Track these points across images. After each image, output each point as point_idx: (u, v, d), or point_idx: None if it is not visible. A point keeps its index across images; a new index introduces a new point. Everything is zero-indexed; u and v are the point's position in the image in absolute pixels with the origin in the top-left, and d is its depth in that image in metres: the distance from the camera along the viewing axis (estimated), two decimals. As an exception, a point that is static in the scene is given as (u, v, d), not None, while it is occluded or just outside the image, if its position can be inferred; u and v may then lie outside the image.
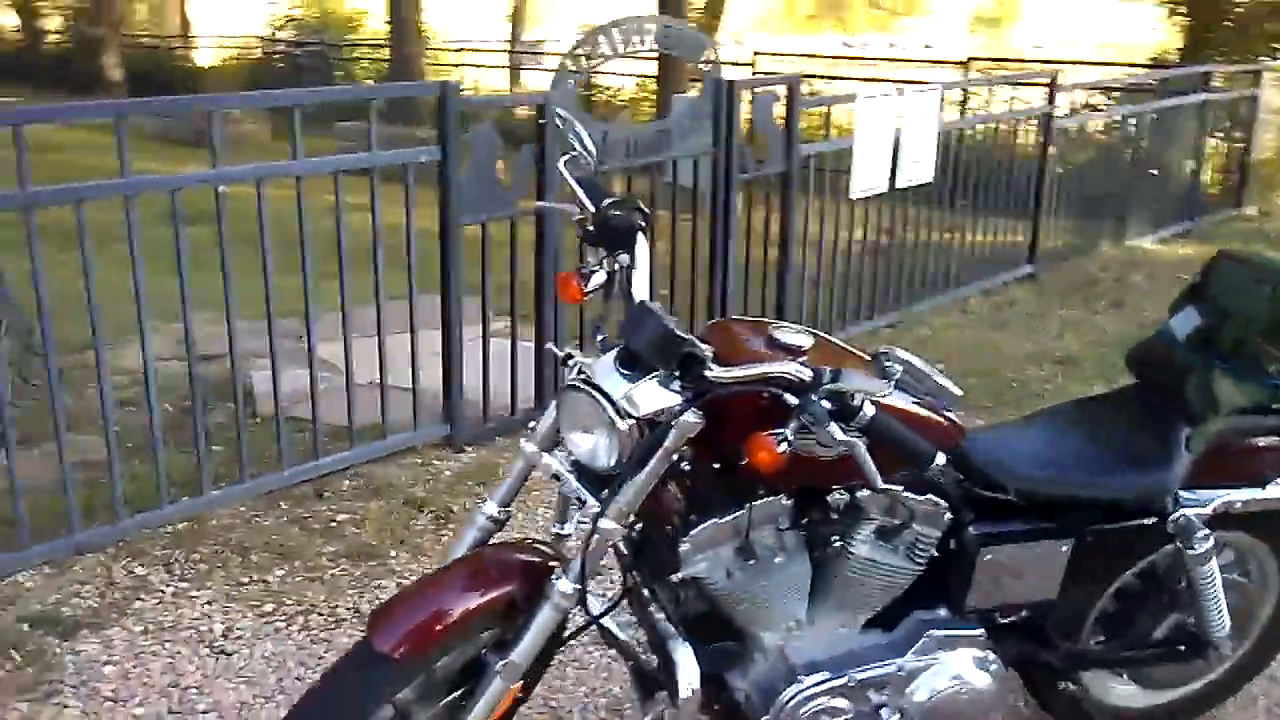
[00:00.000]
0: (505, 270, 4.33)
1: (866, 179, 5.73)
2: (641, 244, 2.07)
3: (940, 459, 1.90)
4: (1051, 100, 7.07)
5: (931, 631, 2.25)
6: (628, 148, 4.60)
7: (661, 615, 2.17)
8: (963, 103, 8.32)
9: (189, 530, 3.67)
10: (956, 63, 11.65)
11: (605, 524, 1.95)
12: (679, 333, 1.88)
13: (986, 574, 2.27)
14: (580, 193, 2.10)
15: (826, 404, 1.85)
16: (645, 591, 2.20)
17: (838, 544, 2.15)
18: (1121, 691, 2.68)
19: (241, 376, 3.90)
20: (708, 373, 1.89)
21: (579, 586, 1.97)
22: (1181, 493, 2.32)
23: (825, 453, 1.92)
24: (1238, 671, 2.74)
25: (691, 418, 1.90)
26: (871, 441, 1.88)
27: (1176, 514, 2.31)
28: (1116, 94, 8.79)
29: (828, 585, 2.18)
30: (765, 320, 2.25)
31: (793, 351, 2.03)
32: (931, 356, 5.41)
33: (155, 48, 22.55)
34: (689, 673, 2.03)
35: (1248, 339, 2.29)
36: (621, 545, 2.15)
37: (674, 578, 2.08)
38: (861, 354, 2.16)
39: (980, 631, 2.29)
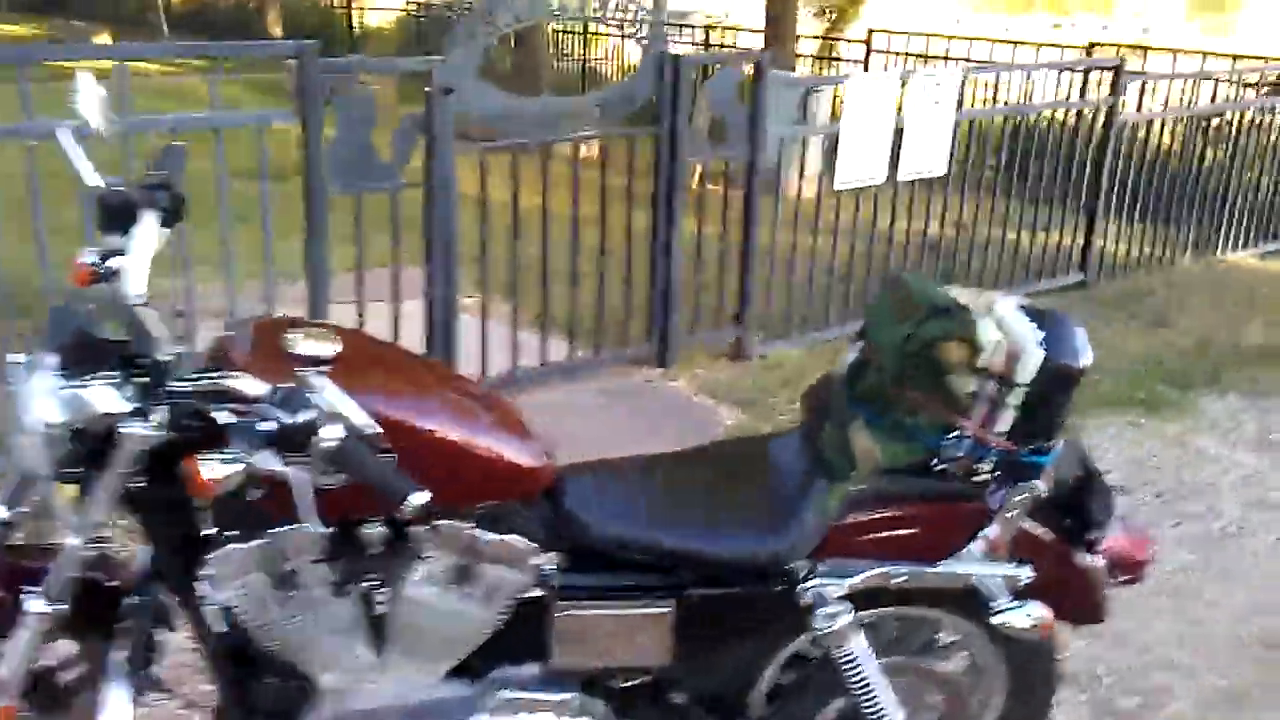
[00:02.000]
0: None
1: (855, 168, 5.28)
2: (146, 231, 1.84)
3: (417, 499, 1.63)
4: (1115, 90, 6.37)
5: (504, 691, 1.98)
6: (539, 121, 4.35)
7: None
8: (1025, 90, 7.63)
9: None
10: (1080, 47, 10.69)
11: (69, 540, 1.78)
12: (108, 336, 1.68)
13: (573, 631, 1.97)
14: (79, 166, 1.89)
15: (270, 425, 1.62)
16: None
17: (379, 583, 1.90)
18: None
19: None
20: (171, 383, 1.70)
21: (60, 607, 1.81)
22: (822, 562, 1.96)
23: (325, 480, 1.69)
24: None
25: (140, 429, 1.69)
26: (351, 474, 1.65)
27: (809, 584, 1.95)
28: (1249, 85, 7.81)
29: (391, 628, 1.94)
30: (304, 321, 2.01)
31: (311, 363, 1.78)
32: None
33: (329, 7, 23.36)
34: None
35: (884, 388, 1.89)
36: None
37: (199, 602, 1.89)
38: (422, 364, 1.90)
39: (570, 696, 2.00)
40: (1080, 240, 6.60)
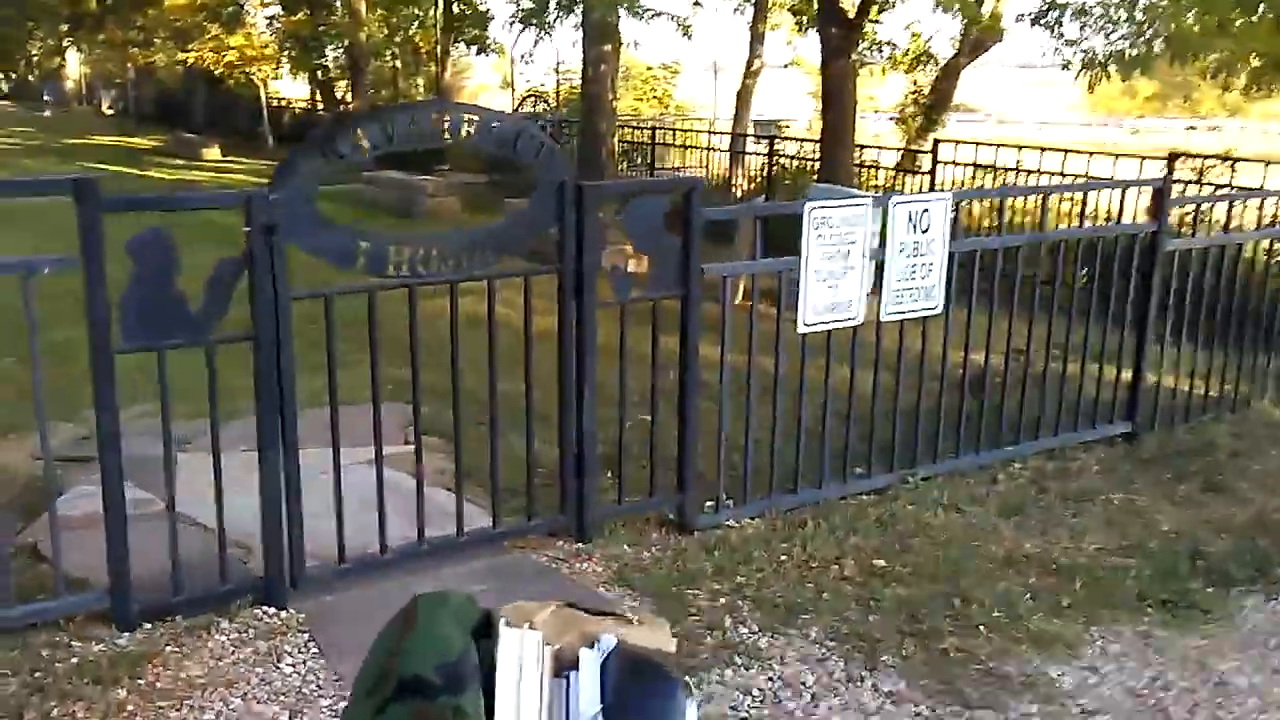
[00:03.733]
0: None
1: (822, 309, 4.49)
2: None
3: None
4: (1157, 216, 5.44)
5: None
6: (421, 258, 3.70)
7: None
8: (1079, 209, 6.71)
9: None
10: (1159, 158, 9.70)
11: None
12: None
13: None
14: None
15: None
16: None
17: None
18: None
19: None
20: None
21: None
22: None
23: None
24: None
25: None
26: None
27: None
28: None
29: None
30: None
31: None
32: (873, 543, 4.25)
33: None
34: None
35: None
36: None
37: None
38: None
39: None
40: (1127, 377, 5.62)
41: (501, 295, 3.99)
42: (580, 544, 4.27)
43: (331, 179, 3.50)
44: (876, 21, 13.24)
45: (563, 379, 4.11)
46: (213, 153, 23.05)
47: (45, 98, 46.35)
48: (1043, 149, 10.50)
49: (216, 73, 24.08)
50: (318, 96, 27.37)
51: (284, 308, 3.49)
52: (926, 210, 4.69)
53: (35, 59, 43.27)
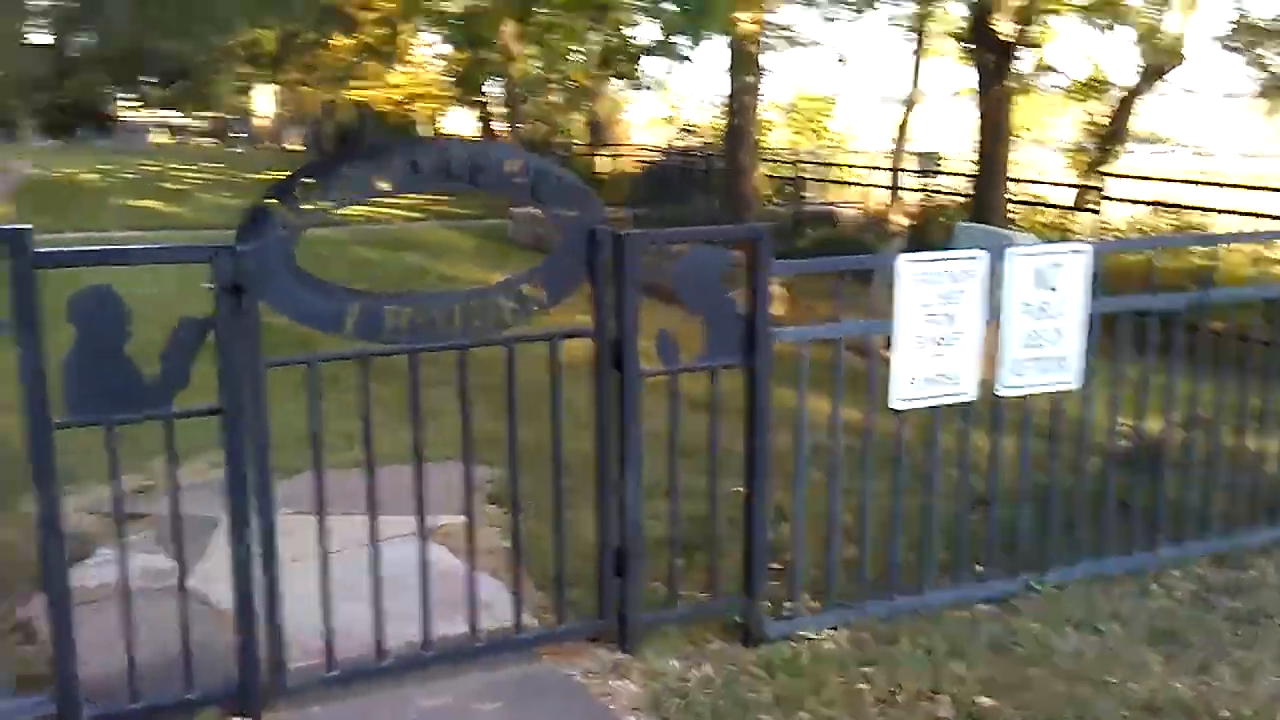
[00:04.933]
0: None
1: (922, 381, 3.73)
2: None
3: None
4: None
5: None
6: (423, 321, 3.16)
7: None
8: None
9: None
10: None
11: None
12: None
13: None
14: None
15: None
16: None
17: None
18: None
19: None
20: None
21: None
22: None
23: None
24: None
25: None
26: None
27: None
28: None
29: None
30: None
31: None
32: (980, 673, 3.43)
33: (566, 155, 23.63)
34: None
35: None
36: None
37: None
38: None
39: None
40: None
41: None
42: (623, 653, 3.62)
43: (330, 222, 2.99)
44: (1035, 45, 12.18)
45: (601, 461, 3.48)
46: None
47: (237, 135, 49.06)
48: (1232, 185, 9.29)
49: (380, 110, 24.64)
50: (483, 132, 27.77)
51: (257, 376, 3.00)
52: (1058, 265, 3.87)
53: (229, 99, 45.78)
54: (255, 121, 49.45)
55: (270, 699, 3.22)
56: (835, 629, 3.80)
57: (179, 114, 50.36)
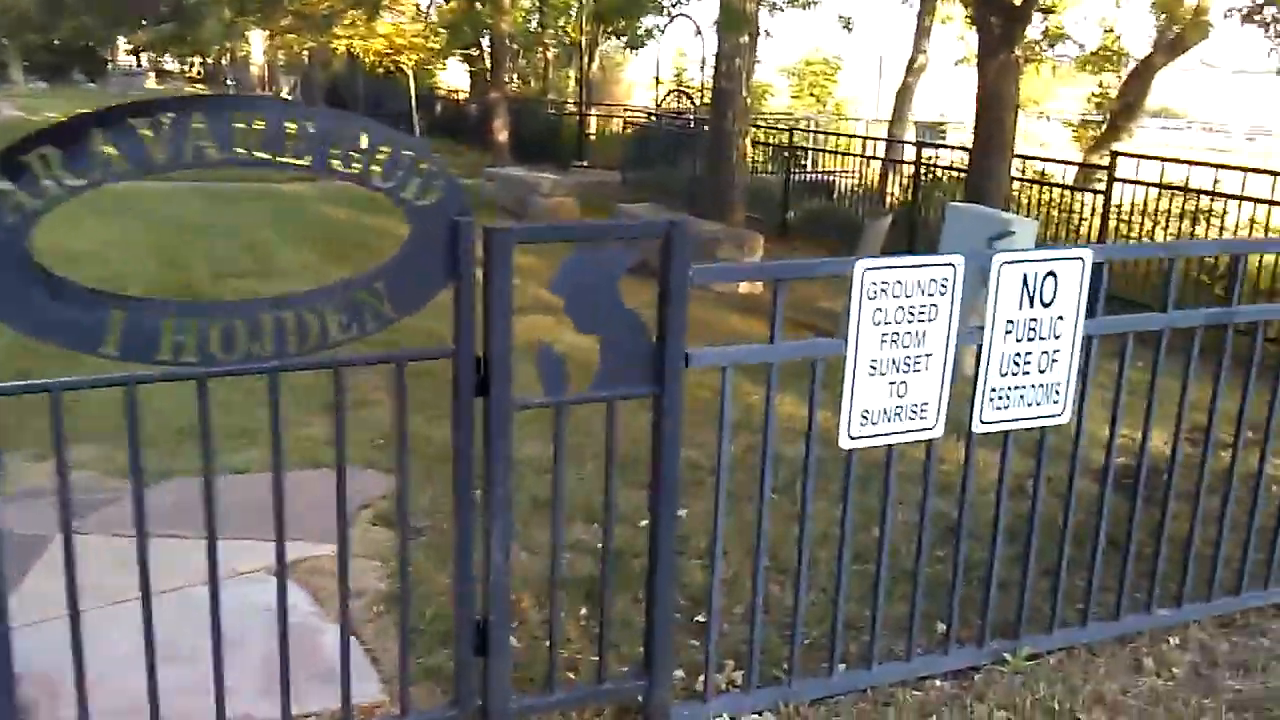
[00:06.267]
0: None
1: (876, 415, 3.00)
2: None
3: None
4: None
5: None
6: (219, 338, 2.42)
7: None
8: None
9: None
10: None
11: None
12: None
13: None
14: None
15: None
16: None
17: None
18: None
19: None
20: None
21: None
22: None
23: None
24: None
25: None
26: None
27: None
28: None
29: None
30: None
31: None
32: None
33: (556, 115, 22.76)
34: None
35: None
36: None
37: None
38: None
39: None
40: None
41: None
42: (484, 739, 2.92)
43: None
44: (1049, 10, 11.33)
45: (460, 512, 2.76)
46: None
47: (229, 82, 47.97)
48: (1245, 171, 8.49)
49: (365, 61, 23.72)
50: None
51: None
52: (1051, 274, 3.13)
53: (224, 46, 44.65)
54: (250, 70, 48.30)
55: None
56: (760, 714, 3.11)
57: (171, 59, 49.27)
